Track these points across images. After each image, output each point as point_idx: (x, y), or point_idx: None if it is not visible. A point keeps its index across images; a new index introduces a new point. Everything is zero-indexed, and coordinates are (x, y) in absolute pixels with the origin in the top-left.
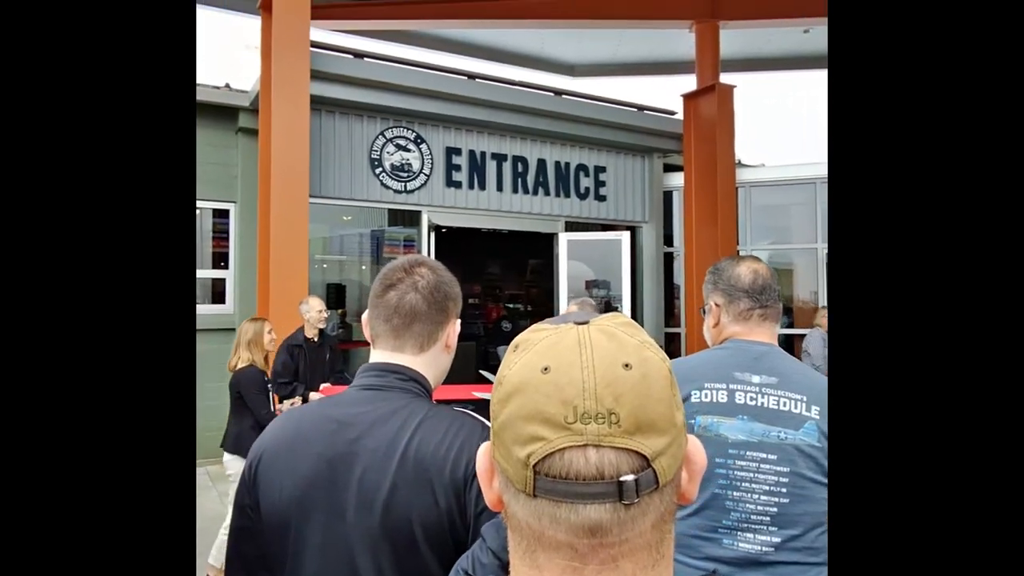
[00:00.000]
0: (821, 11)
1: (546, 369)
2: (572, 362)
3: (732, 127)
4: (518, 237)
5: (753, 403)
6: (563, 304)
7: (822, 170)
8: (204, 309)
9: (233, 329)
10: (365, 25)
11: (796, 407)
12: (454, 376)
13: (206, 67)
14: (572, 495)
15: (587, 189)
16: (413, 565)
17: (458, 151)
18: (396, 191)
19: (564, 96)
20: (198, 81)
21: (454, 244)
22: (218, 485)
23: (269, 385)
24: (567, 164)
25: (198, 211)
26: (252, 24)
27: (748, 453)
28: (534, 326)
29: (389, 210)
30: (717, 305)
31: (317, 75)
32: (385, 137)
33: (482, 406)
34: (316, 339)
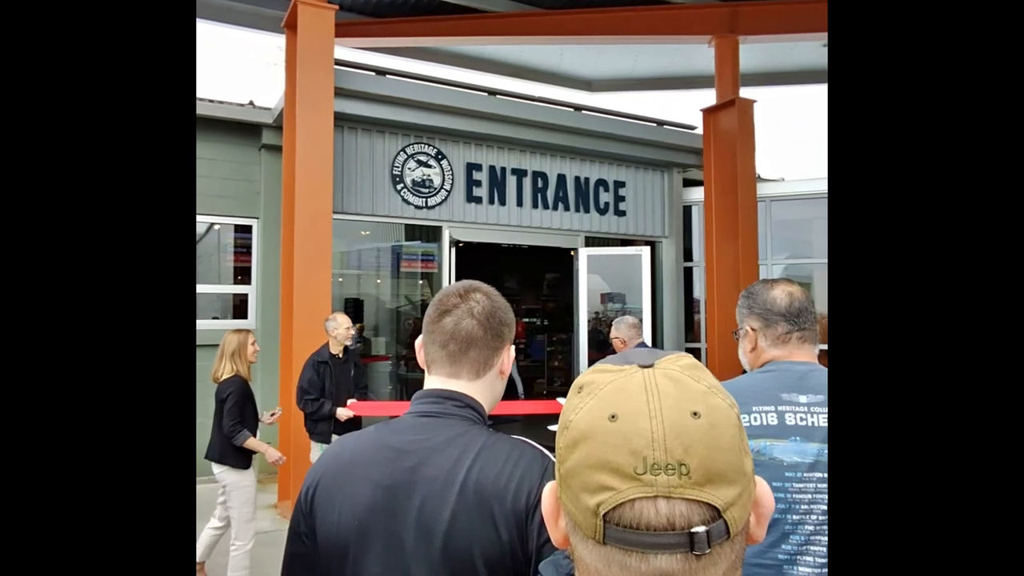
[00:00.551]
0: None
1: (613, 417)
2: (639, 410)
3: (752, 141)
4: (537, 252)
5: (804, 423)
6: (583, 319)
7: None
8: (227, 324)
9: None
10: (387, 43)
11: None
12: None
13: (230, 85)
14: (642, 545)
15: (607, 204)
16: None
17: (478, 167)
18: (417, 207)
19: (584, 111)
20: (222, 99)
21: (472, 258)
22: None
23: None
24: (587, 179)
25: (220, 227)
26: (274, 41)
27: (804, 475)
28: (597, 365)
29: (406, 225)
30: (753, 329)
31: (339, 92)
32: (406, 153)
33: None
34: (341, 355)
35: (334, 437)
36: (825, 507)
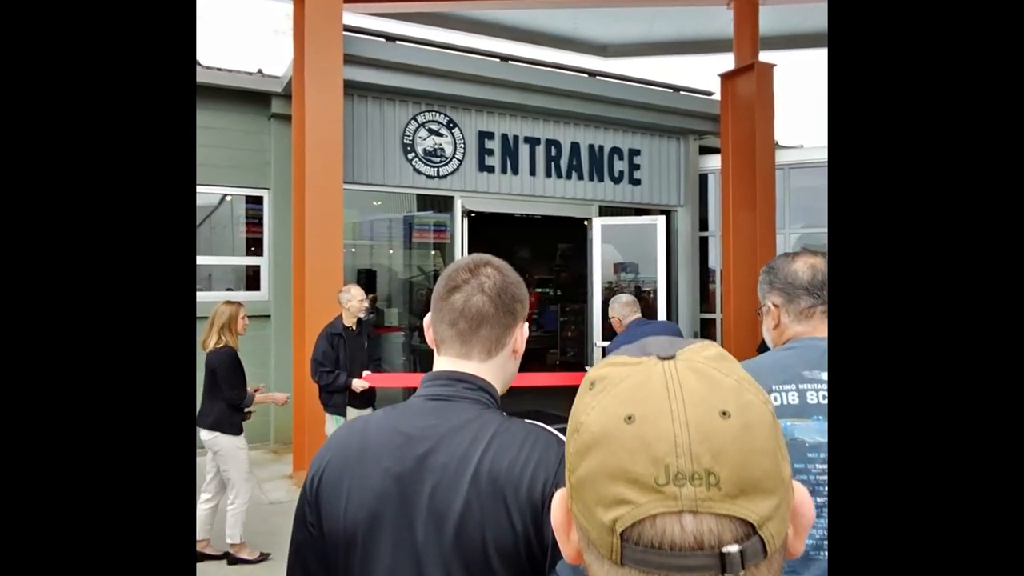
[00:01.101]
0: None
1: (630, 418)
2: (660, 410)
3: (772, 107)
4: (550, 222)
5: (827, 401)
6: (597, 289)
7: None
8: (238, 296)
9: (268, 316)
10: (397, 8)
11: None
12: None
13: (238, 53)
14: (666, 567)
15: (621, 173)
16: None
17: (491, 135)
18: (429, 176)
19: (597, 77)
20: (230, 67)
21: (484, 228)
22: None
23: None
24: (601, 147)
25: (231, 198)
26: (282, 8)
27: (827, 455)
28: (611, 357)
29: (418, 195)
30: (776, 306)
31: (349, 59)
32: (417, 122)
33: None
34: (355, 327)
35: (349, 409)
36: None
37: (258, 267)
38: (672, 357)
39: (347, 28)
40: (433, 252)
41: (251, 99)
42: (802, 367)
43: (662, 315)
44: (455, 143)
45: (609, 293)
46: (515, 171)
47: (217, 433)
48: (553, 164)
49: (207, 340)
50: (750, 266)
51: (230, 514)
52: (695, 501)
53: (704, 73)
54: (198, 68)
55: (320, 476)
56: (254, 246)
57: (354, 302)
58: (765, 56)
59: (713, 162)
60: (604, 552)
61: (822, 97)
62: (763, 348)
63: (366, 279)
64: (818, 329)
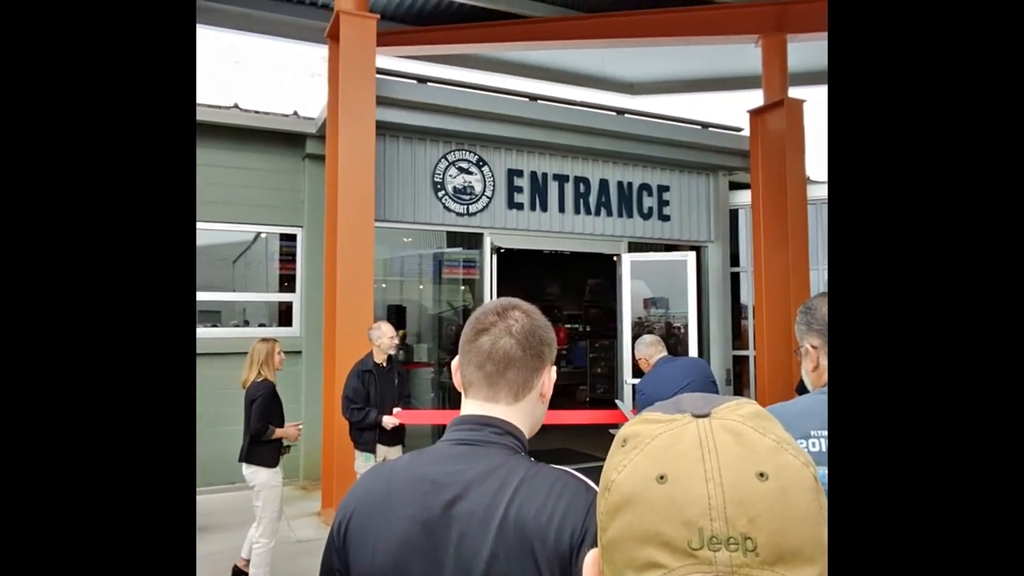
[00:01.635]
0: None
1: (662, 478)
2: (693, 471)
3: (803, 143)
4: (579, 257)
5: None
6: (627, 325)
7: None
8: (272, 332)
9: (300, 352)
10: (428, 51)
11: None
12: None
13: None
14: None
15: (650, 209)
16: None
17: (520, 173)
18: (459, 214)
19: (626, 115)
20: (267, 110)
21: (513, 265)
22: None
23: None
24: (630, 184)
25: (266, 235)
26: (317, 52)
27: None
28: (644, 414)
29: (448, 232)
30: (814, 347)
31: (381, 100)
32: (448, 160)
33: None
34: (385, 364)
35: (378, 446)
36: None
37: (291, 303)
38: (707, 415)
39: (380, 71)
40: (463, 288)
41: (287, 140)
42: None
43: (693, 351)
44: (484, 181)
45: (639, 329)
46: (544, 208)
47: (254, 466)
48: (582, 201)
49: (247, 378)
50: (783, 303)
51: (255, 552)
52: (731, 567)
53: (733, 108)
54: (238, 112)
55: (347, 522)
56: (287, 282)
57: (384, 339)
58: (795, 92)
59: (743, 198)
60: None
61: None
62: (802, 388)
63: (396, 315)
64: None
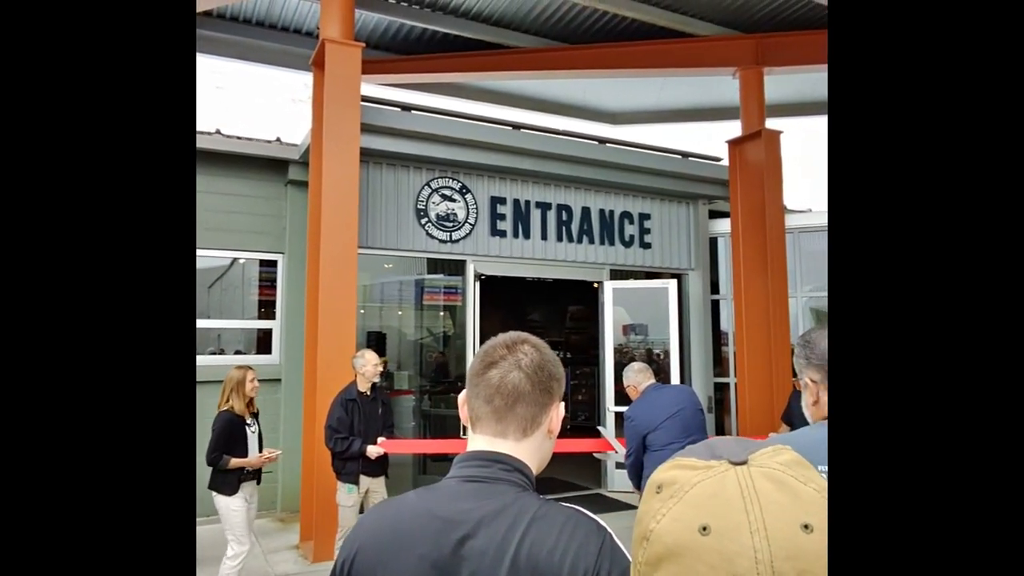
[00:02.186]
0: None
1: (705, 529)
2: (738, 523)
3: (780, 173)
4: (561, 285)
5: None
6: (608, 352)
7: None
8: (251, 359)
9: (279, 380)
10: (412, 79)
11: None
12: None
13: (257, 122)
14: None
15: (632, 236)
16: None
17: (503, 200)
18: (441, 241)
19: (608, 144)
20: (250, 135)
21: (496, 292)
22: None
23: (248, 427)
24: (611, 212)
25: (245, 261)
26: (301, 79)
27: None
28: (679, 459)
29: (428, 259)
30: (813, 381)
31: (365, 128)
32: (431, 188)
33: None
34: (369, 393)
35: (362, 478)
36: None
37: (270, 330)
38: (744, 463)
39: (364, 98)
40: (442, 314)
41: (270, 166)
42: None
43: (675, 378)
44: (467, 208)
45: (620, 355)
46: (527, 235)
47: (214, 493)
48: (564, 228)
49: (220, 404)
50: (763, 329)
51: (221, 572)
52: None
53: (712, 139)
54: (220, 137)
55: (351, 561)
56: (266, 309)
57: (368, 367)
58: (772, 123)
59: (723, 226)
60: None
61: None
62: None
63: (376, 341)
64: None
